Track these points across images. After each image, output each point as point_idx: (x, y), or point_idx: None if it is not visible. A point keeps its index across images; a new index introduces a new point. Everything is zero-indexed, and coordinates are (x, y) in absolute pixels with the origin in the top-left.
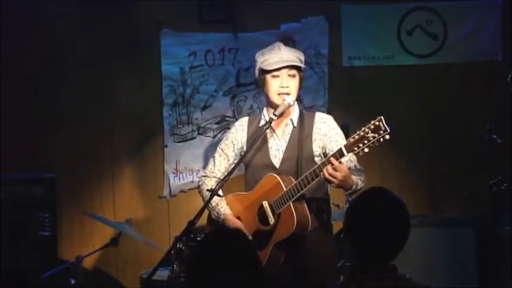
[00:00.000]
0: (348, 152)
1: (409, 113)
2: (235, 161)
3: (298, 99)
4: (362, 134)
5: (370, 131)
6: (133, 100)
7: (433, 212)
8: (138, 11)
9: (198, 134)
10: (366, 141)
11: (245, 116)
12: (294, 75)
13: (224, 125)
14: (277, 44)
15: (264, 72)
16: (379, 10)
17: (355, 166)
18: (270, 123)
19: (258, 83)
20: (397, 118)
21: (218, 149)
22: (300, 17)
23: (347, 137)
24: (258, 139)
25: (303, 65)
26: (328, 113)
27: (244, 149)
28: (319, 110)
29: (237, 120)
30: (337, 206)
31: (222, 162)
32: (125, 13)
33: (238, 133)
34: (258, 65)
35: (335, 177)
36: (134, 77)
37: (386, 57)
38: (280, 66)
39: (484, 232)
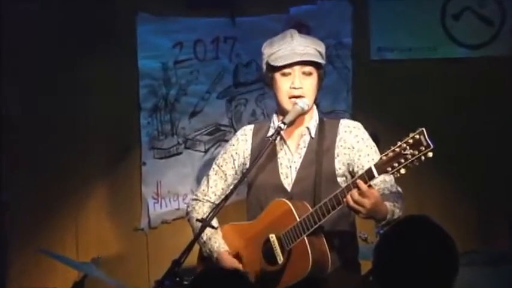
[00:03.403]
0: (379, 173)
1: (455, 121)
2: (235, 182)
3: (316, 103)
4: (398, 150)
5: (408, 147)
6: (103, 104)
7: (486, 246)
8: None
9: (185, 147)
10: (402, 160)
11: (245, 124)
12: (309, 73)
13: (218, 136)
14: (290, 32)
15: (272, 68)
16: None
17: (390, 189)
18: (278, 133)
19: (266, 81)
20: (440, 127)
21: (214, 165)
22: None
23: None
24: (263, 152)
25: (322, 61)
26: (353, 120)
27: (247, 166)
28: (343, 116)
29: (235, 130)
30: (365, 240)
31: (219, 183)
32: None
33: (240, 145)
34: (265, 59)
35: (362, 206)
36: (103, 74)
37: (427, 48)
38: (292, 61)
39: None
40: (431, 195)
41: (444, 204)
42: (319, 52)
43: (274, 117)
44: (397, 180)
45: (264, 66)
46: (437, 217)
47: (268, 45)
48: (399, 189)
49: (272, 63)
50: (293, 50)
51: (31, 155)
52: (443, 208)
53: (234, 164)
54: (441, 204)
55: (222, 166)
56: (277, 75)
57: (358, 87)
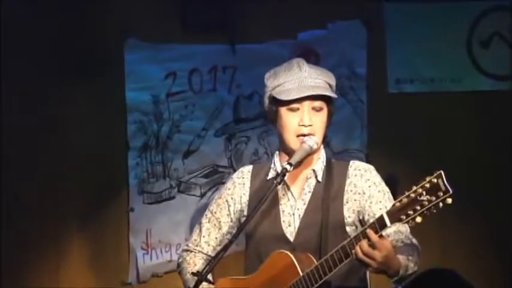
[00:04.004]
0: (391, 222)
1: (482, 161)
2: (232, 231)
3: (325, 142)
4: (413, 196)
5: (424, 192)
6: (85, 142)
7: None
8: (95, 14)
9: (179, 191)
10: (418, 207)
11: (247, 164)
12: (320, 109)
13: (216, 178)
14: (297, 61)
15: (276, 102)
16: (440, 11)
17: (404, 240)
18: (283, 175)
19: (268, 117)
20: (466, 168)
21: (207, 211)
22: (326, 22)
23: (395, 196)
24: (265, 198)
25: (333, 94)
26: (368, 161)
27: (245, 213)
28: (355, 157)
29: (235, 171)
30: None
31: (212, 232)
32: (77, 17)
33: (237, 189)
34: (269, 92)
35: (372, 258)
36: (86, 108)
37: (451, 79)
38: (301, 96)
39: None
40: (456, 243)
41: (469, 254)
42: (330, 85)
43: (276, 157)
44: (418, 227)
45: (267, 100)
46: (461, 268)
47: (272, 76)
48: (415, 241)
49: (277, 97)
50: (302, 83)
51: (6, 199)
52: (469, 258)
53: (229, 210)
54: (466, 253)
55: (215, 213)
56: (283, 110)
57: (374, 123)
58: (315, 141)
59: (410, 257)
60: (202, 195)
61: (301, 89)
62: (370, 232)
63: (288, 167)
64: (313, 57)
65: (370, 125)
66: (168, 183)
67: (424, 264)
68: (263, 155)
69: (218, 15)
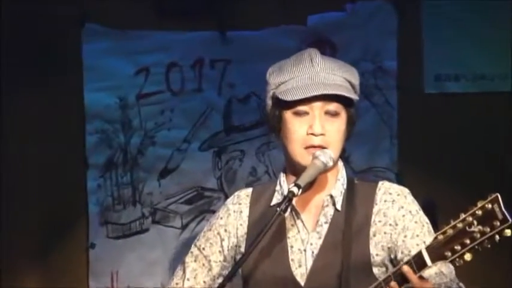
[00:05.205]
0: (433, 260)
1: None
2: (225, 272)
3: (344, 157)
4: (460, 226)
5: (475, 221)
6: (32, 159)
7: None
8: None
9: (154, 222)
10: (467, 240)
11: (242, 187)
12: (335, 114)
13: (202, 205)
14: (308, 52)
15: (280, 104)
16: None
17: (450, 285)
18: (290, 200)
19: (270, 124)
20: None
21: (193, 247)
22: (344, 2)
23: (435, 228)
24: (266, 230)
25: (353, 95)
26: (400, 182)
27: (242, 249)
28: (382, 178)
29: (226, 196)
30: None
31: (200, 274)
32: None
33: (232, 219)
34: (271, 90)
35: None
36: (35, 114)
37: (504, 75)
38: (310, 95)
39: None
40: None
41: None
42: (351, 83)
43: (282, 177)
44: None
45: (269, 102)
46: None
47: (275, 71)
48: (462, 285)
49: (281, 98)
50: (313, 79)
51: None
52: None
53: (222, 246)
54: None
55: (204, 249)
56: (288, 114)
57: (407, 132)
58: (329, 156)
59: None
60: (183, 227)
61: (310, 86)
62: (407, 272)
63: (295, 189)
64: (327, 48)
65: (401, 135)
66: (140, 212)
67: None
68: (263, 175)
69: None
